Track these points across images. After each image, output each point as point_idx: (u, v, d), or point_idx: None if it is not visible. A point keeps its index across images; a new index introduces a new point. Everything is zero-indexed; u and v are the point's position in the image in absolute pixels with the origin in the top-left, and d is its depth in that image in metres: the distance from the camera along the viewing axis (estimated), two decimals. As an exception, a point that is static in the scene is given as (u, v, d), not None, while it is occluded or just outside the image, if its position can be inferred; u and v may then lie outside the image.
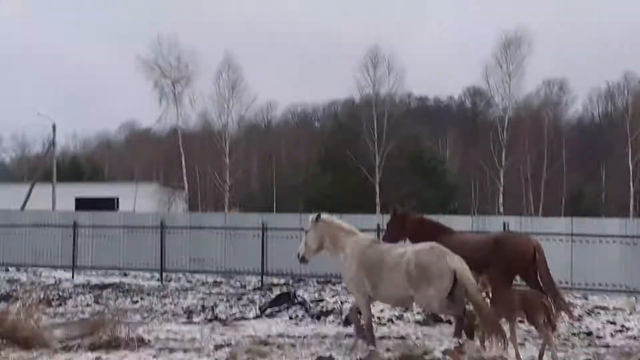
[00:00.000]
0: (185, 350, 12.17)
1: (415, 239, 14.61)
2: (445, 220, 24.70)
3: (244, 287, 22.76)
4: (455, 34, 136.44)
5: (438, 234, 14.88)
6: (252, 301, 18.50)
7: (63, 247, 26.62)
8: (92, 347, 12.09)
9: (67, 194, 67.82)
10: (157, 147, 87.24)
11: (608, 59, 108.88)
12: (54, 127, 61.22)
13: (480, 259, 13.94)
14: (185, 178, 68.11)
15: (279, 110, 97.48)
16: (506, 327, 11.86)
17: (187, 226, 25.90)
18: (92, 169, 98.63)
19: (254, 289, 22.06)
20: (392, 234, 15.49)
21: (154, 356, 11.75)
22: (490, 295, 12.62)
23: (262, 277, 23.95)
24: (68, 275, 25.25)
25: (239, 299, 19.45)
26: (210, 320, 16.49)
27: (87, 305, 18.91)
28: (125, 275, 25.81)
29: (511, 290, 13.08)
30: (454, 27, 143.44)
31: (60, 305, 18.69)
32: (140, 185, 74.26)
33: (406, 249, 12.40)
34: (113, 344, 12.16)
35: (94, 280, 24.21)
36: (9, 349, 11.99)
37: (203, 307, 18.07)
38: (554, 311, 12.51)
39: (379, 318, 15.50)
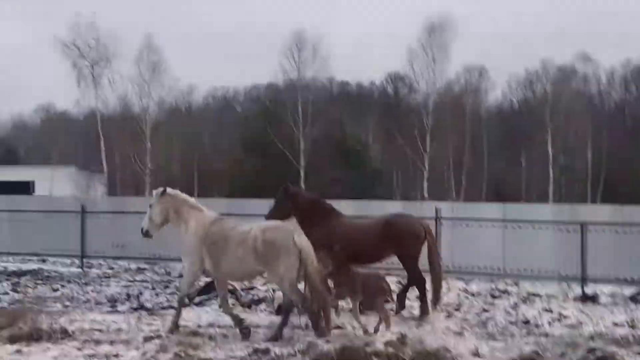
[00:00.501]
0: (112, 342, 11.46)
1: (303, 220, 14.97)
2: (377, 205, 24.48)
3: (169, 274, 21.97)
4: (380, 20, 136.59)
5: (329, 216, 15.24)
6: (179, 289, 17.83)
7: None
8: (12, 339, 11.32)
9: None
10: (75, 130, 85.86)
11: (526, 47, 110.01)
12: (-33, 109, 59.79)
13: (372, 242, 14.61)
14: (104, 162, 66.71)
15: (200, 94, 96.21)
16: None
17: (109, 210, 25.06)
18: (6, 152, 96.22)
19: (180, 276, 21.37)
20: (280, 212, 15.24)
21: (79, 349, 11.02)
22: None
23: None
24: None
25: (166, 287, 18.78)
26: (135, 309, 15.76)
27: (5, 293, 17.96)
28: (43, 261, 24.80)
29: (353, 272, 13.30)
30: (378, 13, 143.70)
31: (-26, 293, 17.76)
32: (57, 168, 72.88)
33: (252, 226, 12.60)
34: (34, 336, 11.41)
35: (11, 266, 23.19)
36: None
37: (128, 296, 17.32)
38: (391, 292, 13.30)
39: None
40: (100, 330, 12.80)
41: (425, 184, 65.58)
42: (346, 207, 22.08)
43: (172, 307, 16.00)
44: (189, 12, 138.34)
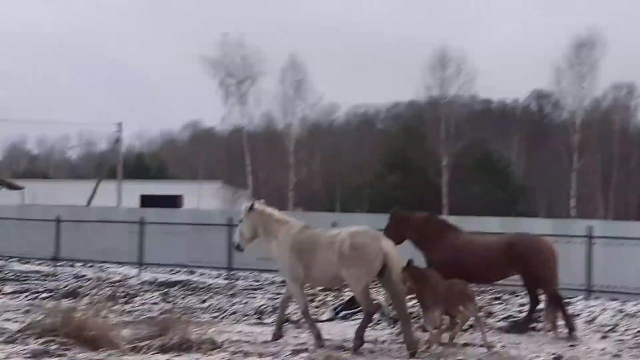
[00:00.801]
0: (260, 355, 11.35)
1: (421, 240, 14.67)
2: (525, 222, 23.71)
3: (313, 287, 21.88)
4: (524, 37, 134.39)
5: (446, 232, 14.75)
6: (325, 303, 17.63)
7: (129, 243, 26.10)
8: (163, 349, 11.30)
9: (132, 191, 68.15)
10: (221, 146, 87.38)
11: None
12: (120, 125, 61.57)
13: (495, 260, 14.09)
14: (249, 177, 67.64)
15: (341, 111, 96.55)
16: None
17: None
18: (157, 167, 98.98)
19: (323, 290, 21.23)
20: (395, 230, 14.76)
21: (228, 359, 10.97)
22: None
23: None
24: (134, 272, 24.66)
25: (311, 300, 18.58)
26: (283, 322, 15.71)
27: (155, 303, 18.26)
28: (191, 272, 25.12)
29: (437, 280, 13.05)
30: (521, 30, 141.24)
31: (127, 302, 18.02)
32: (204, 183, 74.32)
33: (340, 231, 12.78)
34: (184, 346, 11.38)
35: (161, 277, 23.55)
36: (76, 349, 11.30)
37: (274, 308, 17.26)
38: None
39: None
40: (247, 342, 12.75)
41: (573, 202, 63.74)
42: (491, 224, 21.75)
43: (317, 321, 15.91)
44: (331, 30, 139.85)
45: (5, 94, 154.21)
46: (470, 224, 19.73)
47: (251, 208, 13.54)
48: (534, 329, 14.66)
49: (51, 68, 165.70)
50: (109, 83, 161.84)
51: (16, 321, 13.88)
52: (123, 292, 19.43)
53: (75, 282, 21.17)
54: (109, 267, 25.74)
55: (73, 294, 19.05)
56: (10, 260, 27.17)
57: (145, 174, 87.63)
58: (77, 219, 27.57)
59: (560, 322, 14.29)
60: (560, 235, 19.29)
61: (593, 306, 17.51)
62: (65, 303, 16.57)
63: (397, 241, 14.17)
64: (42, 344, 11.31)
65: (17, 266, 25.96)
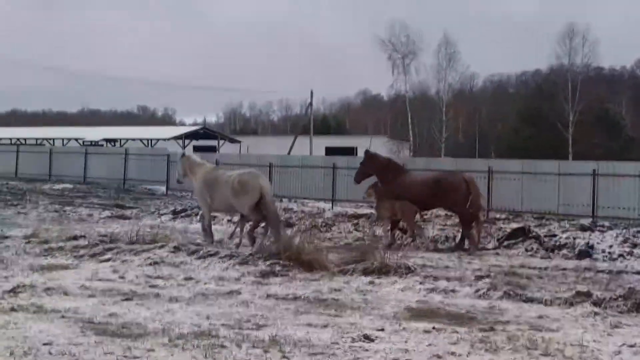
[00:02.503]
0: (447, 279, 10.25)
1: (384, 176, 15.53)
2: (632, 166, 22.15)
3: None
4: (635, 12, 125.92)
5: (399, 173, 15.61)
6: (490, 234, 16.30)
7: (324, 183, 25.52)
8: (365, 272, 10.43)
9: (319, 144, 68.67)
10: (386, 108, 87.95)
11: None
12: (311, 93, 61.64)
13: (427, 193, 14.82)
14: (410, 132, 67.22)
15: (480, 79, 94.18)
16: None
17: (423, 168, 23.99)
18: (337, 125, 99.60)
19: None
20: (363, 170, 16.19)
21: (420, 282, 9.88)
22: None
23: (487, 213, 21.71)
24: (328, 206, 24.00)
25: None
26: (454, 250, 14.56)
27: (349, 232, 17.46)
28: (371, 207, 24.16)
29: (390, 202, 14.95)
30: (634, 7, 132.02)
31: (327, 231, 17.31)
32: (373, 137, 74.00)
33: (233, 173, 14.43)
34: (383, 270, 10.44)
35: (349, 210, 22.76)
36: (295, 270, 10.58)
37: (446, 237, 16.11)
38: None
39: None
40: (431, 267, 11.70)
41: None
42: (607, 168, 20.87)
43: (485, 249, 14.70)
44: (478, 13, 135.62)
45: (225, 69, 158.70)
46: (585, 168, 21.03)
47: (183, 155, 15.86)
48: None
49: (258, 47, 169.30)
50: (303, 59, 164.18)
51: (244, 245, 13.33)
52: (322, 222, 18.74)
53: (285, 214, 20.62)
54: (308, 202, 25.20)
55: (285, 223, 18.56)
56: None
57: (328, 131, 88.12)
58: (285, 164, 27.24)
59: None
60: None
61: None
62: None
63: (366, 175, 16.16)
64: (268, 265, 10.67)
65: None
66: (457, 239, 15.26)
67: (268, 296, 8.97)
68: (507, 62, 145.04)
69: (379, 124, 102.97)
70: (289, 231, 15.48)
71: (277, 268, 10.55)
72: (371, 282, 9.94)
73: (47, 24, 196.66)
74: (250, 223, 14.01)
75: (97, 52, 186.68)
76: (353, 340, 6.76)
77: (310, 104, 61.92)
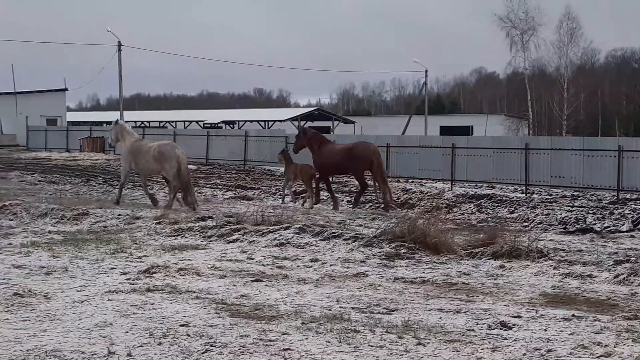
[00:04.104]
0: (583, 264, 9.68)
1: (311, 147, 18.14)
2: None
3: (600, 201, 19.57)
4: None
5: (323, 144, 18.14)
6: (624, 215, 15.44)
7: (443, 163, 25.01)
8: (495, 255, 10.00)
9: (434, 124, 68.25)
10: (502, 86, 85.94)
11: None
12: (426, 72, 60.96)
13: (341, 160, 17.53)
14: (529, 110, 65.24)
15: (601, 55, 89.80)
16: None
17: (549, 148, 23.10)
18: (451, 105, 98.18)
19: (610, 203, 18.88)
20: (299, 143, 18.73)
21: (554, 267, 9.37)
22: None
23: (617, 193, 20.66)
24: (447, 186, 23.51)
25: (611, 213, 16.36)
26: (584, 232, 13.87)
27: (471, 213, 16.97)
28: (492, 187, 23.56)
29: (295, 165, 18.19)
30: None
31: (448, 212, 16.86)
32: (490, 116, 72.54)
33: (154, 143, 17.17)
34: (514, 254, 9.98)
35: (470, 191, 22.21)
36: (421, 252, 10.31)
37: (576, 219, 15.34)
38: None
39: None
40: (564, 250, 11.11)
41: None
42: None
43: (618, 231, 13.90)
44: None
45: (338, 50, 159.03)
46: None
47: (116, 122, 18.06)
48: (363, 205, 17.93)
49: (371, 27, 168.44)
50: (416, 38, 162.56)
51: (367, 227, 13.17)
52: (443, 203, 18.33)
53: (404, 195, 20.34)
54: (426, 183, 24.81)
55: (405, 204, 18.27)
56: (351, 177, 26.97)
57: (442, 110, 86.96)
58: (402, 145, 26.92)
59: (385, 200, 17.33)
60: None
61: None
62: (402, 212, 15.91)
63: (302, 146, 18.64)
64: (393, 247, 10.44)
65: (356, 181, 25.67)
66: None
67: (395, 279, 8.78)
68: (631, 37, 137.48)
69: (495, 103, 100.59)
70: (409, 212, 15.21)
71: (403, 250, 10.31)
72: (501, 266, 9.55)
73: (166, 10, 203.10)
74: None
75: (215, 37, 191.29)
76: (490, 327, 6.46)
77: (425, 83, 61.29)
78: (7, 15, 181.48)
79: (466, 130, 68.38)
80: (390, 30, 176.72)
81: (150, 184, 20.51)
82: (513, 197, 20.32)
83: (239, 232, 11.57)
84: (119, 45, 52.57)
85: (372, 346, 5.74)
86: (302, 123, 68.16)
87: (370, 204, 18.53)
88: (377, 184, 17.65)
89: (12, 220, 13.76)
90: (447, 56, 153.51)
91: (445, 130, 66.97)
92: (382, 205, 17.41)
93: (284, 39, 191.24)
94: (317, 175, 17.94)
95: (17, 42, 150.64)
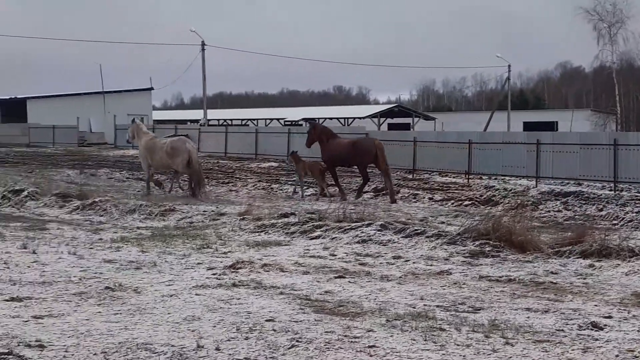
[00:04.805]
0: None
1: (321, 140, 19.61)
2: None
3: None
4: None
5: (330, 137, 19.61)
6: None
7: (527, 160, 24.43)
8: (584, 254, 9.70)
9: (517, 119, 67.02)
10: (588, 80, 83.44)
11: None
12: (509, 67, 59.90)
13: (346, 154, 18.97)
14: (617, 104, 63.14)
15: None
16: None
17: (639, 144, 22.25)
18: (535, 100, 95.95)
19: None
20: (310, 137, 20.18)
21: (647, 267, 9.05)
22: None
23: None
24: (532, 183, 22.93)
25: None
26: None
27: (558, 211, 16.53)
28: (579, 184, 22.84)
29: (304, 163, 19.58)
30: None
31: (534, 210, 16.48)
32: (575, 111, 70.70)
33: (167, 140, 18.87)
34: (604, 253, 9.65)
35: (555, 188, 21.59)
36: (506, 251, 10.10)
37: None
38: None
39: None
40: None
41: None
42: None
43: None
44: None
45: (417, 46, 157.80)
46: None
47: (133, 122, 20.00)
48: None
49: (451, 22, 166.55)
50: (498, 33, 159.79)
51: (449, 224, 13.00)
52: (528, 201, 17.92)
53: (487, 192, 19.98)
54: (509, 180, 24.29)
55: (488, 202, 17.97)
56: (432, 174, 26.79)
57: (525, 106, 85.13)
58: (484, 141, 26.43)
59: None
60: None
61: None
62: (486, 210, 15.64)
63: (312, 141, 20.13)
64: (478, 245, 10.27)
65: (438, 178, 25.44)
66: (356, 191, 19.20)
67: (480, 278, 8.64)
68: None
69: (581, 97, 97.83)
70: (493, 210, 14.95)
71: (487, 248, 10.13)
72: (591, 265, 9.25)
73: (246, 8, 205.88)
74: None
75: (295, 34, 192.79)
76: (580, 327, 6.27)
77: (508, 78, 60.14)
78: (94, 17, 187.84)
79: (550, 126, 66.78)
80: (471, 25, 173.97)
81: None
82: (601, 195, 19.61)
83: (321, 229, 11.61)
84: (203, 44, 53.66)
85: (458, 345, 5.66)
86: (381, 120, 67.95)
87: (370, 192, 20.20)
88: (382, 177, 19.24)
89: (102, 216, 14.24)
90: (530, 50, 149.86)
91: (528, 126, 65.54)
92: (388, 196, 18.65)
93: (363, 35, 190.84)
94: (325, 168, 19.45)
95: (105, 42, 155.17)
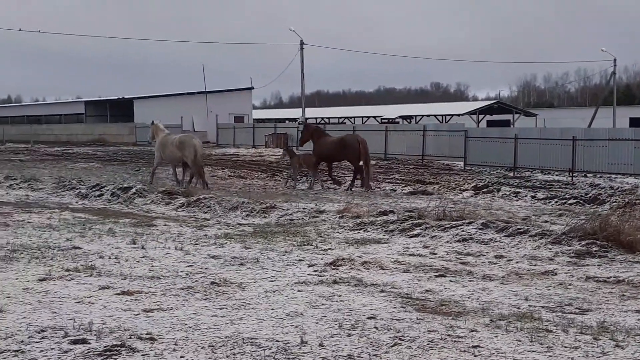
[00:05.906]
0: None
1: (313, 139, 21.84)
2: None
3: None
4: None
5: (321, 136, 21.89)
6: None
7: (635, 157, 23.45)
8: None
9: (623, 115, 64.49)
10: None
11: None
12: (614, 61, 57.72)
13: (334, 150, 21.13)
14: None
15: None
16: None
17: None
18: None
19: None
20: (303, 136, 22.50)
21: None
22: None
23: None
24: (639, 182, 22.01)
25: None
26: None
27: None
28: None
29: (298, 156, 21.89)
30: None
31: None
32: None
33: (177, 136, 20.73)
34: None
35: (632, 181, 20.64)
36: (615, 251, 9.71)
37: None
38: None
39: None
40: None
41: None
42: None
43: None
44: None
45: (518, 41, 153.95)
46: None
47: (152, 123, 21.99)
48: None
49: (553, 16, 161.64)
50: (602, 26, 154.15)
51: (553, 223, 12.62)
52: (637, 199, 17.17)
53: (593, 190, 19.29)
54: (616, 178, 23.39)
55: (594, 200, 17.35)
56: (534, 171, 26.11)
57: (632, 101, 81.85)
58: (589, 138, 25.53)
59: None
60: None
61: None
62: (590, 208, 15.11)
63: (305, 140, 22.50)
64: (584, 245, 9.91)
65: (540, 176, 24.76)
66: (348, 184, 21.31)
67: (587, 278, 8.35)
68: None
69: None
70: (599, 209, 14.42)
71: (594, 248, 9.76)
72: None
73: (342, 6, 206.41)
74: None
75: (391, 31, 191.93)
76: (695, 332, 5.97)
77: (614, 72, 57.86)
78: (197, 18, 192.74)
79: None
80: (574, 18, 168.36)
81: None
82: None
83: (421, 227, 11.51)
84: (301, 43, 54.19)
85: (566, 347, 5.49)
86: (480, 117, 66.75)
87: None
88: (363, 168, 20.77)
89: (206, 212, 14.63)
90: (637, 43, 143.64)
91: (635, 122, 62.88)
92: (363, 185, 20.72)
93: (460, 31, 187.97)
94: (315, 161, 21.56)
95: (207, 43, 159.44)
